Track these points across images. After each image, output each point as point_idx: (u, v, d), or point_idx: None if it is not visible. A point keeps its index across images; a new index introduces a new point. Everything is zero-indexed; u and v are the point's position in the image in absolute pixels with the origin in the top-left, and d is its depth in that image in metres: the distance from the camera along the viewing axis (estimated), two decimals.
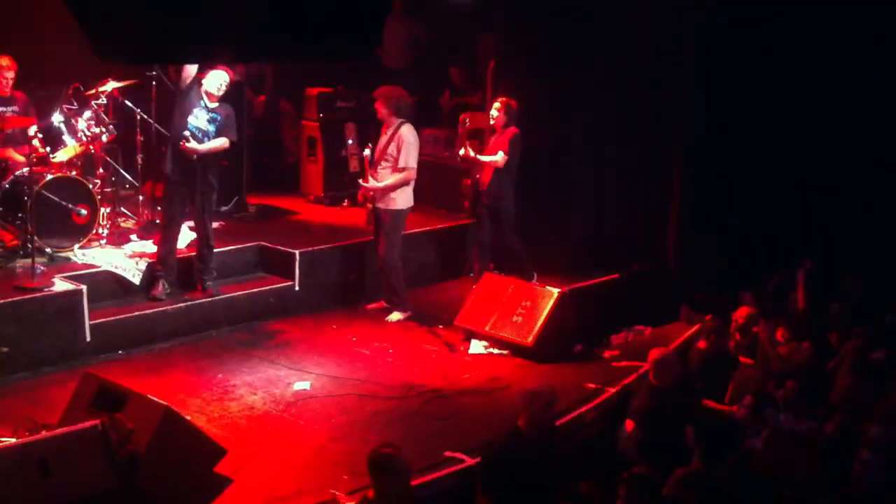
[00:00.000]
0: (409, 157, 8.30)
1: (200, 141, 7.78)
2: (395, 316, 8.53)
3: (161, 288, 7.91)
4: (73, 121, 8.38)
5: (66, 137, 8.32)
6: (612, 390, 7.17)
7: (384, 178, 8.30)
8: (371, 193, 8.37)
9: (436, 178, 10.78)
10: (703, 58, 9.20)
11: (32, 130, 7.98)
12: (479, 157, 8.81)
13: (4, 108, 8.11)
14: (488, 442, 5.91)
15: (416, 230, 9.59)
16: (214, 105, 7.88)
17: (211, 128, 7.85)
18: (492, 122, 8.84)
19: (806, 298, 8.26)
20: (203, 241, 8.12)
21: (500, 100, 8.76)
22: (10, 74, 8.15)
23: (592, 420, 6.84)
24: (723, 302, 8.32)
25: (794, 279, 8.42)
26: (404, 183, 8.34)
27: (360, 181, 8.42)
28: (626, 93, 9.62)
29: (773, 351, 7.28)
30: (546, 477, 5.66)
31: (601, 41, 9.50)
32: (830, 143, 9.21)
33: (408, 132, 8.30)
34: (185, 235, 8.38)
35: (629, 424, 6.62)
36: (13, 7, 9.12)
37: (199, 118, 7.82)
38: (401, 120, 8.33)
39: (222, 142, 7.91)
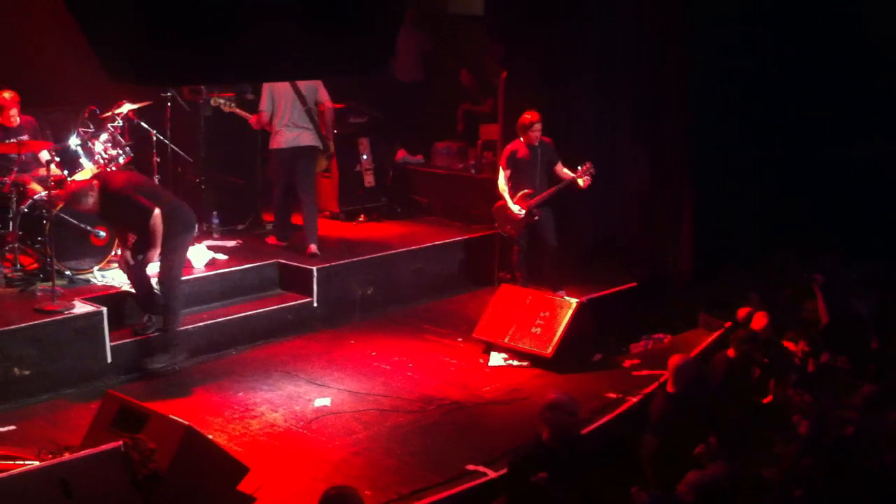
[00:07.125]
0: None
1: None
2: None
3: (146, 320, 7.64)
4: (89, 143, 8.42)
5: (84, 160, 8.35)
6: (633, 399, 7.15)
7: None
8: None
9: (450, 191, 10.80)
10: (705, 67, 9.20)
11: (46, 154, 8.02)
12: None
13: (15, 139, 8.05)
14: (512, 452, 5.87)
15: (432, 243, 9.60)
16: None
17: None
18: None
19: (828, 312, 8.18)
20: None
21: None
22: (14, 111, 8.12)
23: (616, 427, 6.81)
24: (741, 308, 8.28)
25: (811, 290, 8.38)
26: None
27: None
28: (636, 96, 9.63)
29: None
30: (571, 488, 5.62)
31: (608, 44, 9.51)
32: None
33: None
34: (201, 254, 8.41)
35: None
36: (25, 30, 9.18)
37: None
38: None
39: None
